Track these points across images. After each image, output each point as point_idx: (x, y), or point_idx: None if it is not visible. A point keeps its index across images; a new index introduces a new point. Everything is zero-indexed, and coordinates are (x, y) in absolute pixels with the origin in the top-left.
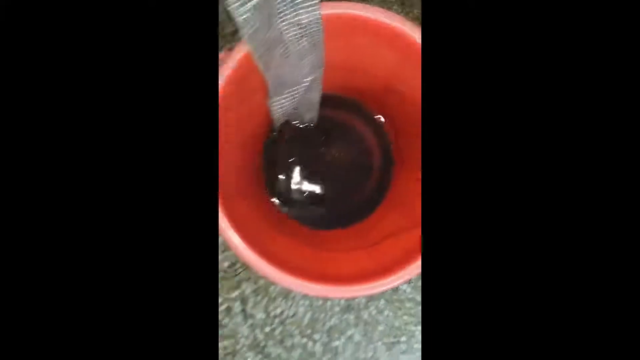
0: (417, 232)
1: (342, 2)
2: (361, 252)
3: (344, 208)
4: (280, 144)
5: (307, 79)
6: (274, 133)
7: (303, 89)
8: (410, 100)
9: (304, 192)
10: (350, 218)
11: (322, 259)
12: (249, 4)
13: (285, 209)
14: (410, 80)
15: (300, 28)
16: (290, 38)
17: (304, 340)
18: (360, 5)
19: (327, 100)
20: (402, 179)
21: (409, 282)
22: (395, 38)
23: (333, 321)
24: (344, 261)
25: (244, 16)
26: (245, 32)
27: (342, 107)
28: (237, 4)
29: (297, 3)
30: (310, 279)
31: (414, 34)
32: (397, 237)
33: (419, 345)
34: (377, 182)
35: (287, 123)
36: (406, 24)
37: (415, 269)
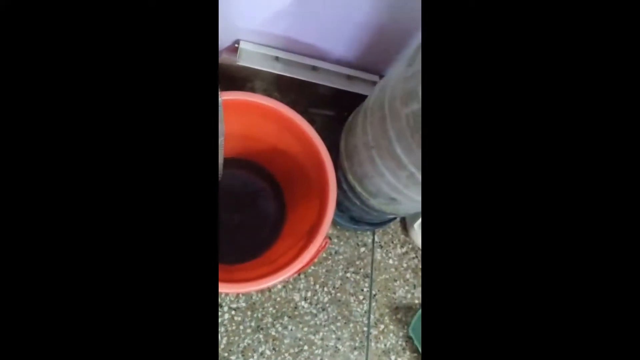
0: (301, 243)
1: (238, 92)
2: (264, 267)
3: (251, 244)
4: None
5: None
6: None
7: None
8: (290, 156)
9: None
10: (256, 251)
11: (235, 275)
12: None
13: None
14: (289, 143)
15: None
16: None
17: None
18: (251, 94)
19: (231, 162)
20: (293, 215)
21: (305, 298)
22: (274, 114)
23: (246, 342)
24: (251, 273)
25: None
26: None
27: (242, 167)
28: None
29: None
30: (228, 283)
31: (286, 110)
32: (289, 252)
33: (319, 351)
34: (273, 221)
35: None
36: (280, 104)
37: (296, 266)
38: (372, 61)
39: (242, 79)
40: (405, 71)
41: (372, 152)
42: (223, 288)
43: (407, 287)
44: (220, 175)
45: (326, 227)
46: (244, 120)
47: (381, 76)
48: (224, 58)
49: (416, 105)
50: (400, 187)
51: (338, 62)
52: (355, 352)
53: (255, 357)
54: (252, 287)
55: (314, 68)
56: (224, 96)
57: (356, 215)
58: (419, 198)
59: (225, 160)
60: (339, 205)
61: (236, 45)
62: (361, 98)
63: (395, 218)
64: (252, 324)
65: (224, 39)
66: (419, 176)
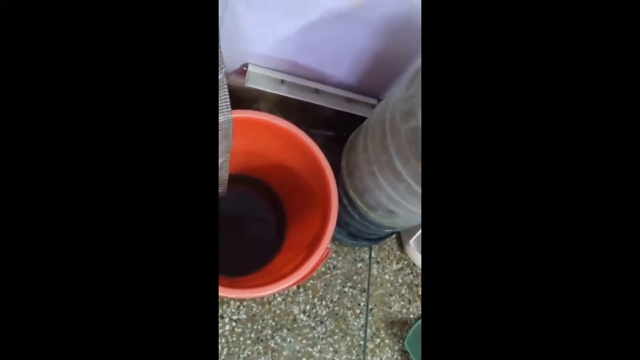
0: (300, 257)
1: (246, 110)
2: (265, 278)
3: (251, 258)
4: None
5: (219, 161)
6: None
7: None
8: (293, 172)
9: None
10: (257, 265)
11: (236, 284)
12: None
13: None
14: (292, 158)
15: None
16: None
17: None
18: (257, 112)
19: (235, 179)
20: (294, 229)
21: (304, 311)
22: (278, 131)
23: (246, 352)
24: (252, 283)
25: None
26: None
27: (244, 182)
28: None
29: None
30: (230, 288)
31: (291, 127)
32: (290, 264)
33: None
34: (274, 236)
35: None
36: (284, 122)
37: (300, 274)
38: (371, 85)
39: (249, 100)
40: (405, 93)
41: (373, 167)
42: (225, 292)
43: (402, 302)
44: (224, 192)
45: (329, 236)
46: (248, 137)
47: (379, 99)
48: (232, 80)
49: (414, 122)
50: (398, 199)
51: (339, 85)
52: None
53: None
54: (256, 294)
55: (317, 91)
56: (235, 114)
57: (354, 230)
58: (416, 209)
59: (229, 176)
60: (338, 220)
61: (245, 68)
62: (359, 119)
63: (392, 234)
64: (252, 335)
65: (234, 62)
66: (416, 188)
